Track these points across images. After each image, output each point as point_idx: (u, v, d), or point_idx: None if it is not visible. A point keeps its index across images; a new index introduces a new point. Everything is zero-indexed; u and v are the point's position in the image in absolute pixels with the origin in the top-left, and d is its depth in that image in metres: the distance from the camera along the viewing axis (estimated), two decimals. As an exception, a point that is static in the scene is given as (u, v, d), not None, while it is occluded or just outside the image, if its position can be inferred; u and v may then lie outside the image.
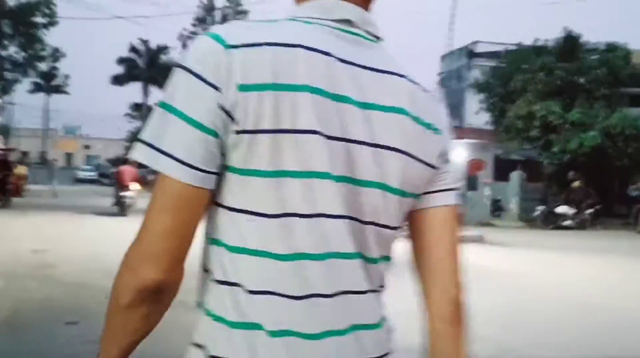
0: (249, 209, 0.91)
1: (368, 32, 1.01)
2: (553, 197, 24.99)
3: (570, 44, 24.38)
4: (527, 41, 26.04)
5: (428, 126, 1.03)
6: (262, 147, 0.89)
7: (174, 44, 59.52)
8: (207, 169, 0.89)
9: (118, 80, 56.13)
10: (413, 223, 1.09)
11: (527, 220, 24.05)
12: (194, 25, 60.38)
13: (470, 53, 34.01)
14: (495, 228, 21.80)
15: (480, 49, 33.98)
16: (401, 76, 1.03)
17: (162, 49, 57.57)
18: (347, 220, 0.95)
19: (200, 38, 0.93)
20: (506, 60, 26.17)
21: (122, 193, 18.64)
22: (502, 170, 26.05)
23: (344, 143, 0.94)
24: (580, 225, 22.99)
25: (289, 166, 0.90)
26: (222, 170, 0.91)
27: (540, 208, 23.66)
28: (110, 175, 38.07)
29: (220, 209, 0.93)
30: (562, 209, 23.34)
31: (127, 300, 0.92)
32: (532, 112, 22.58)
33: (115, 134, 65.03)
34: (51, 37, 30.68)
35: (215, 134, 0.88)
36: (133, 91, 58.76)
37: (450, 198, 1.08)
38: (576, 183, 24.31)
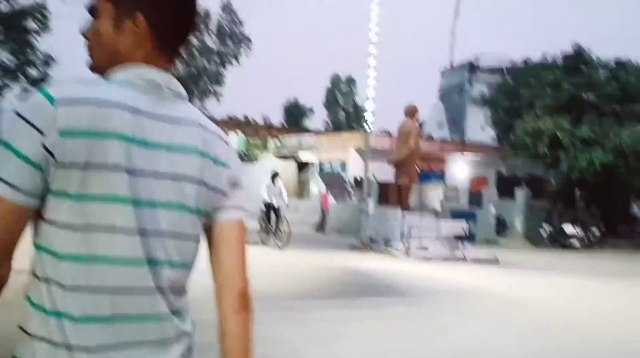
0: (58, 221, 1.17)
1: (173, 91, 1.31)
2: (558, 216, 24.27)
3: (578, 59, 23.79)
4: (533, 54, 25.44)
5: (215, 160, 1.32)
6: (76, 178, 1.15)
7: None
8: (32, 193, 1.15)
9: (111, 89, 55.22)
10: (209, 233, 1.35)
11: (533, 239, 23.30)
12: (189, 35, 59.82)
13: (472, 67, 33.44)
14: (502, 247, 21.01)
15: (482, 63, 33.43)
16: (196, 124, 1.32)
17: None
18: (139, 235, 1.20)
19: (35, 94, 1.18)
20: (513, 75, 25.56)
21: None
22: (504, 187, 25.30)
23: (146, 177, 1.21)
24: (588, 246, 22.29)
25: (94, 191, 1.16)
26: (48, 194, 1.16)
27: (547, 227, 22.92)
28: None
29: (42, 222, 1.18)
30: (569, 229, 22.62)
31: None
32: (540, 128, 21.87)
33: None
34: (43, 43, 29.76)
35: (39, 168, 1.14)
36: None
37: (237, 214, 1.36)
38: (581, 203, 23.66)
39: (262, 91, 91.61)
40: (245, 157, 28.89)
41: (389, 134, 35.93)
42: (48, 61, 29.42)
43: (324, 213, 22.26)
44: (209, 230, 1.34)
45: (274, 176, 15.51)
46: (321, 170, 25.92)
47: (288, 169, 26.78)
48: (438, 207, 16.95)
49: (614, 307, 9.47)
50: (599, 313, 8.86)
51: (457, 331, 6.81)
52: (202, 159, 1.29)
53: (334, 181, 24.89)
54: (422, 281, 10.60)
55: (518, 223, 24.43)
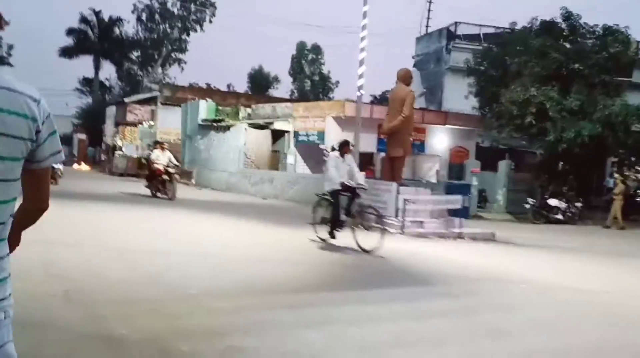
0: None
1: None
2: (540, 189, 23.61)
3: (566, 25, 22.88)
4: (519, 20, 24.40)
5: (18, 114, 1.74)
6: None
7: (127, 16, 55.76)
8: None
9: (67, 52, 52.40)
10: (24, 173, 1.81)
11: (515, 213, 22.64)
12: (149, -3, 56.83)
13: (450, 35, 32.33)
14: (485, 221, 20.21)
15: (460, 30, 32.36)
16: (2, 88, 1.72)
17: (116, 21, 54.06)
18: None
19: None
20: (498, 42, 24.51)
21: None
22: (483, 159, 24.50)
23: None
24: (571, 219, 21.73)
25: None
26: None
27: (531, 201, 22.22)
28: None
29: None
30: (554, 202, 21.97)
31: None
32: (528, 98, 20.95)
33: (64, 111, 60.48)
34: (-6, 0, 27.47)
35: None
36: (83, 65, 55.03)
37: (47, 163, 1.86)
38: (564, 175, 23.04)
39: (226, 58, 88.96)
40: (216, 125, 27.34)
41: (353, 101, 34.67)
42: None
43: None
44: (24, 171, 1.80)
45: (343, 146, 11.19)
46: (297, 140, 24.62)
47: (263, 138, 25.40)
48: (434, 180, 15.90)
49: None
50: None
51: (514, 331, 5.74)
52: (5, 116, 1.70)
53: (311, 152, 23.66)
54: (437, 264, 9.54)
55: (500, 195, 23.74)
